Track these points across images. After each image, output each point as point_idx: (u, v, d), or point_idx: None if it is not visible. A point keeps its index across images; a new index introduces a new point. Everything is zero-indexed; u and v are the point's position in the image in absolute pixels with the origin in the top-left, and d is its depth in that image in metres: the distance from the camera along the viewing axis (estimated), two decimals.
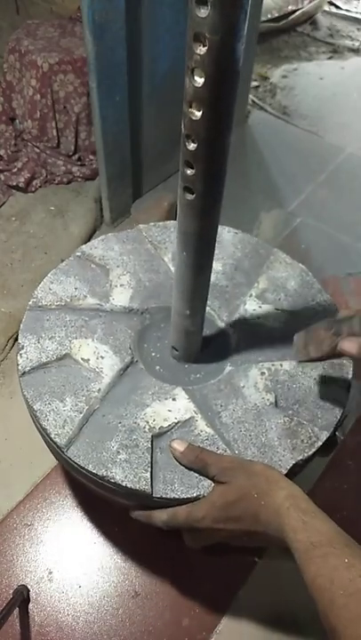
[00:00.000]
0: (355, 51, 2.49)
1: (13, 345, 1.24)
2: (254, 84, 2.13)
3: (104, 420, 0.67)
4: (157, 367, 0.75)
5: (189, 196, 0.52)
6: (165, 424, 0.67)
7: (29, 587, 0.86)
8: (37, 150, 1.64)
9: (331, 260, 1.44)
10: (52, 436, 0.65)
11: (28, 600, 0.85)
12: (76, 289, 0.80)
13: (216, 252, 0.61)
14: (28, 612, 0.84)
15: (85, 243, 0.89)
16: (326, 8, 2.73)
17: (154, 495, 0.61)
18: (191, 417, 0.68)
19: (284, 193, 1.69)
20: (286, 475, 0.62)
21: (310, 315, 0.79)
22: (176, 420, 0.67)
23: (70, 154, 1.66)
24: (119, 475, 0.62)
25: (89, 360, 0.72)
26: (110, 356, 0.73)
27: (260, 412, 0.68)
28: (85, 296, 0.79)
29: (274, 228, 1.56)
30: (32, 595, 0.85)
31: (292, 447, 0.65)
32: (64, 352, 0.72)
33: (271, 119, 2.02)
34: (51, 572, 0.88)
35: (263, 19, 2.29)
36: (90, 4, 1.08)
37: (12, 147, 1.65)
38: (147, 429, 0.66)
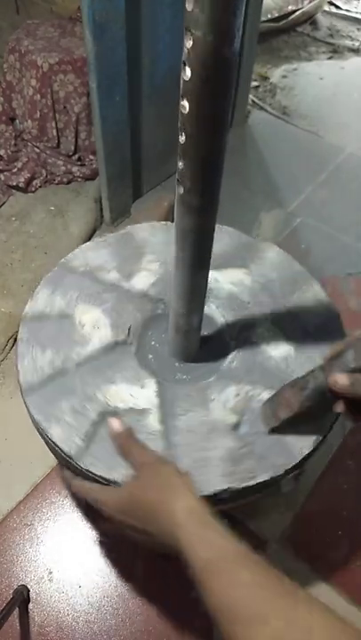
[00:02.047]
0: (355, 51, 2.48)
1: (13, 345, 1.24)
2: (254, 83, 2.13)
3: (68, 382, 0.70)
4: (150, 356, 0.76)
5: (180, 190, 0.52)
6: (121, 405, 0.68)
7: (29, 587, 0.86)
8: (37, 150, 1.64)
9: (331, 260, 1.44)
10: (20, 377, 0.70)
11: (28, 600, 0.85)
12: (106, 261, 0.83)
13: (253, 266, 0.61)
14: (28, 612, 0.84)
15: (85, 242, 0.89)
16: (326, 8, 2.73)
17: (79, 463, 0.63)
18: (147, 409, 0.68)
19: (284, 193, 1.69)
20: (210, 498, 0.60)
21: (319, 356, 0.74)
22: (132, 406, 0.68)
23: (70, 154, 1.66)
24: (57, 434, 0.65)
25: (84, 325, 0.75)
26: (107, 329, 0.75)
27: (216, 428, 0.67)
28: (110, 270, 0.82)
29: (274, 227, 1.56)
30: (32, 595, 0.85)
31: (229, 473, 0.63)
32: (68, 311, 0.76)
33: (271, 119, 2.02)
34: (51, 572, 0.88)
35: (263, 19, 2.29)
36: (90, 4, 1.08)
37: (12, 147, 1.65)
38: (101, 404, 0.68)
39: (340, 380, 0.56)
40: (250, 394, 0.71)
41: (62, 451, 0.64)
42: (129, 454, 0.61)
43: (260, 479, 0.63)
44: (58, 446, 0.64)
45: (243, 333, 0.77)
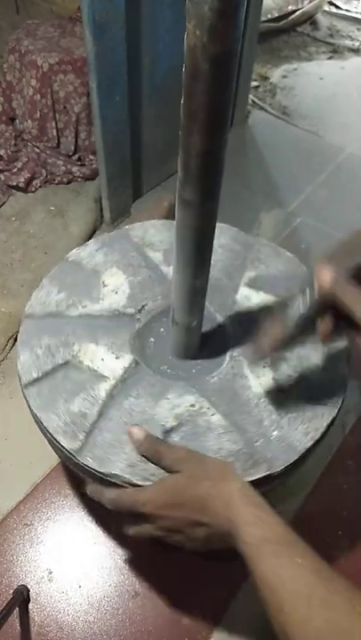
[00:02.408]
0: (355, 51, 2.48)
1: (13, 345, 1.24)
2: (254, 83, 2.13)
3: (62, 324, 0.74)
4: (151, 339, 0.77)
5: (181, 188, 0.53)
6: (86, 362, 0.71)
7: (29, 587, 0.86)
8: (37, 150, 1.64)
9: None
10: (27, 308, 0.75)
11: (28, 600, 0.85)
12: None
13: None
14: (28, 612, 0.84)
15: (85, 242, 0.89)
16: (326, 8, 2.73)
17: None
18: (105, 377, 0.70)
19: (284, 193, 1.69)
20: None
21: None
22: (95, 369, 0.71)
23: (70, 154, 1.66)
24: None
25: (107, 286, 0.79)
26: (123, 297, 0.78)
27: (148, 425, 0.66)
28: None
29: (274, 227, 1.56)
30: (32, 595, 0.85)
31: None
32: (99, 269, 0.79)
33: (271, 119, 2.02)
34: (51, 572, 0.88)
35: (263, 19, 2.29)
36: (90, 4, 1.08)
37: (12, 147, 1.65)
38: (71, 353, 0.71)
39: (322, 274, 0.55)
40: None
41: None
42: (160, 455, 0.60)
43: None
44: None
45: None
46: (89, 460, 0.63)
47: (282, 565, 0.47)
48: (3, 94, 1.66)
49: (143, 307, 0.79)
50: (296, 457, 0.64)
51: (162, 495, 0.56)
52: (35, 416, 0.68)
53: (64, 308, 0.78)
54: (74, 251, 0.86)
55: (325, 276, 0.55)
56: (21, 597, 0.82)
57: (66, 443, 0.64)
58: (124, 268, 0.83)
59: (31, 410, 0.69)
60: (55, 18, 1.90)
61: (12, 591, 0.84)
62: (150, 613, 0.84)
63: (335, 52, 2.47)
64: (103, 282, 0.82)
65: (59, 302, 0.79)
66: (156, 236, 0.88)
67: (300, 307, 0.58)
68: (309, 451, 0.66)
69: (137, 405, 0.68)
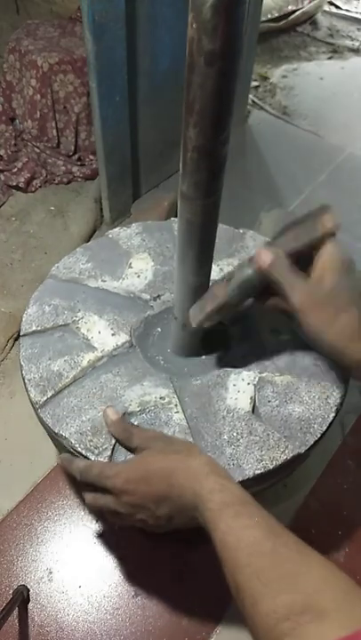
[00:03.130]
0: (355, 51, 2.48)
1: (13, 345, 1.24)
2: (254, 83, 2.13)
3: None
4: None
5: (183, 186, 0.53)
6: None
7: (29, 587, 0.86)
8: (37, 150, 1.64)
9: None
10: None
11: (27, 600, 0.85)
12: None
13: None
14: (27, 612, 0.84)
15: (86, 242, 0.89)
16: (326, 8, 2.73)
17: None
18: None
19: (284, 193, 1.69)
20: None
21: None
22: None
23: (70, 154, 1.66)
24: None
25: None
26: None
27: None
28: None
29: (274, 228, 1.56)
30: (32, 595, 0.85)
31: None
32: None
33: (271, 119, 2.02)
34: (51, 572, 0.88)
35: (263, 19, 2.29)
36: (90, 4, 1.08)
37: (12, 147, 1.65)
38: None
39: (262, 255, 0.59)
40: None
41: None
42: (130, 435, 0.62)
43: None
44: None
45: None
46: (47, 416, 0.67)
47: (240, 525, 0.49)
48: (3, 94, 1.66)
49: (159, 296, 0.80)
50: (240, 479, 0.62)
51: (130, 470, 0.57)
52: (20, 364, 0.73)
53: (85, 277, 0.82)
54: (116, 229, 0.90)
55: (265, 257, 0.58)
56: (21, 597, 0.82)
57: (34, 395, 0.69)
58: (154, 255, 0.85)
59: (19, 358, 0.73)
60: (55, 18, 1.90)
61: (11, 591, 0.84)
62: (150, 613, 0.84)
63: (335, 51, 2.47)
64: (130, 263, 0.84)
65: (82, 271, 0.83)
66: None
67: (239, 279, 0.61)
68: (256, 479, 0.63)
69: (112, 382, 0.70)
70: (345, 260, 0.59)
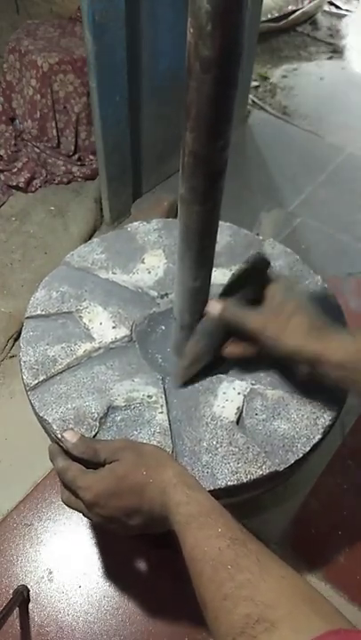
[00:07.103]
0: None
1: (13, 345, 1.24)
2: (254, 83, 2.13)
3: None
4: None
5: (183, 187, 0.53)
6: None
7: (29, 587, 0.86)
8: (37, 150, 1.64)
9: (331, 260, 1.44)
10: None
11: (27, 600, 0.85)
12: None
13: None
14: (28, 612, 0.84)
15: (85, 242, 0.89)
16: (326, 8, 2.73)
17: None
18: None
19: (284, 193, 1.69)
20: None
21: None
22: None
23: (70, 154, 1.66)
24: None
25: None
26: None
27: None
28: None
29: (274, 227, 1.56)
30: (32, 595, 0.85)
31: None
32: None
33: (271, 119, 2.02)
34: (51, 572, 0.88)
35: (263, 19, 2.29)
36: (90, 4, 1.08)
37: (12, 147, 1.65)
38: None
39: (212, 306, 0.65)
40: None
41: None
42: (95, 452, 0.59)
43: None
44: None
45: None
46: (35, 399, 0.68)
47: (204, 537, 0.48)
48: (3, 94, 1.66)
49: (167, 294, 0.80)
50: (211, 488, 0.61)
51: (100, 484, 0.56)
52: (19, 346, 0.74)
53: (97, 267, 0.83)
54: (136, 223, 0.90)
55: (215, 306, 0.65)
56: (21, 597, 0.82)
57: (26, 377, 0.70)
58: (168, 253, 0.85)
59: (20, 340, 0.75)
60: (55, 18, 1.89)
61: (12, 591, 0.84)
62: (150, 613, 0.84)
63: (335, 51, 2.47)
64: (143, 258, 0.84)
65: (95, 261, 0.84)
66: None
67: (200, 331, 0.67)
68: (229, 490, 0.62)
69: (103, 374, 0.71)
70: (287, 282, 0.69)
